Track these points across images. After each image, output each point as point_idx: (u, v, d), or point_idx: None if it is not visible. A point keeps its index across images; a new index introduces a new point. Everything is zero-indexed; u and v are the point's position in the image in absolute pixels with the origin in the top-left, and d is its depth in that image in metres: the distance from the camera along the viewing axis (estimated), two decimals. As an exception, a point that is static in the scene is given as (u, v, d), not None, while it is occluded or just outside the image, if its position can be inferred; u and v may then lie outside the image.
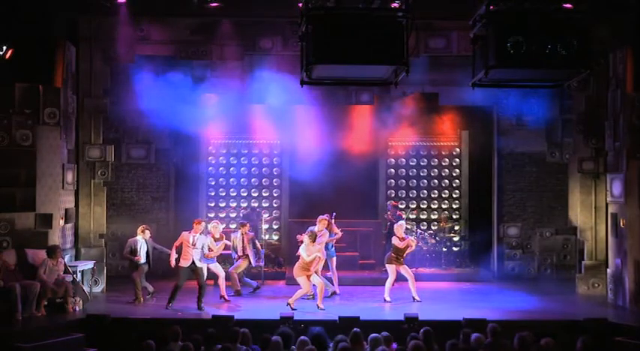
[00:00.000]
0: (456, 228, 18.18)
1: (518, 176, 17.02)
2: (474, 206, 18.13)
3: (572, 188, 16.08)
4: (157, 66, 15.17)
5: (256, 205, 18.13)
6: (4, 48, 12.84)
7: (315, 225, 13.62)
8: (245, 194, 18.39)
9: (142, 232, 13.46)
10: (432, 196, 18.62)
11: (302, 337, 8.76)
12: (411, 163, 18.68)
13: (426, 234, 17.64)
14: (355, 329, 9.01)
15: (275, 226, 18.20)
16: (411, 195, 18.62)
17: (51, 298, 12.13)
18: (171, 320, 11.16)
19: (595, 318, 11.49)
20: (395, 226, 14.04)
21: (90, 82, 15.10)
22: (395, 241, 13.65)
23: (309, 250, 12.60)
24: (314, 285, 12.69)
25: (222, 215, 17.82)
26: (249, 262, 14.35)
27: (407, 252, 13.76)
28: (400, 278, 14.18)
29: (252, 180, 18.43)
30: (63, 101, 13.58)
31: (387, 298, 13.48)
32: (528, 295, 14.18)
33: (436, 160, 18.67)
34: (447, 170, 18.63)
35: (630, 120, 13.16)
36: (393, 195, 18.53)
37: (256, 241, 14.63)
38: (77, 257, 14.63)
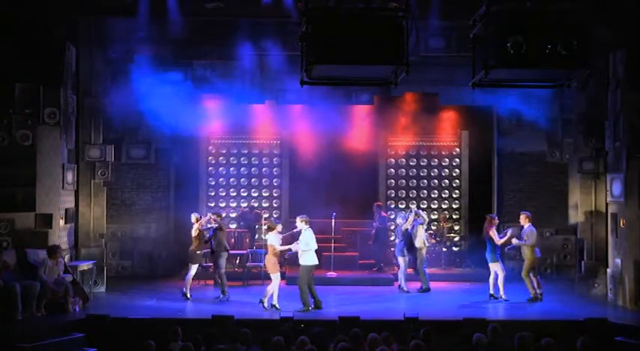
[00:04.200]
0: (456, 228, 18.20)
1: (518, 176, 17.04)
2: (474, 206, 18.11)
3: (572, 188, 16.09)
4: (157, 66, 15.17)
5: (256, 204, 18.12)
6: None
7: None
8: (245, 194, 18.39)
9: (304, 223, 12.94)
10: (432, 196, 18.62)
11: (302, 337, 8.77)
12: (411, 163, 18.67)
13: (426, 234, 17.61)
14: (355, 329, 9.02)
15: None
16: (411, 195, 18.62)
17: (51, 298, 12.12)
18: (171, 320, 11.15)
19: (595, 318, 11.49)
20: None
21: (90, 82, 15.11)
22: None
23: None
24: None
25: (223, 215, 17.79)
26: None
27: None
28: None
29: (252, 180, 18.43)
30: (63, 101, 13.58)
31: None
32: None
33: (436, 160, 18.66)
34: (447, 170, 18.63)
35: (630, 120, 13.16)
36: (393, 195, 18.54)
37: None
38: (77, 257, 14.63)
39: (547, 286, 14.91)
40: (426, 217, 15.15)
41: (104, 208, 15.42)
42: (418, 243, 14.76)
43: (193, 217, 13.84)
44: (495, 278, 13.63)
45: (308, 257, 12.55)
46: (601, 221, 14.94)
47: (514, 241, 13.53)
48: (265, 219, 17.08)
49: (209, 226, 13.88)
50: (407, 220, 14.76)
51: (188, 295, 13.44)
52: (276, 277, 12.54)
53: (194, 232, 13.59)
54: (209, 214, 14.31)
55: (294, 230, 12.91)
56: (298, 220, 12.76)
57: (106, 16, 14.31)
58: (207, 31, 14.90)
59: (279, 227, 12.97)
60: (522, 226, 13.68)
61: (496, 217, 14.02)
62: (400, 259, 14.86)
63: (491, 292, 13.61)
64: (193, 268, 13.57)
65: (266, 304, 12.45)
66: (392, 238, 16.97)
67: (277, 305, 12.45)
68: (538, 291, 13.58)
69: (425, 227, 15.16)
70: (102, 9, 13.88)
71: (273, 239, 12.62)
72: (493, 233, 13.48)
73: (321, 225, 15.97)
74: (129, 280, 15.59)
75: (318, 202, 16.45)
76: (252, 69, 15.46)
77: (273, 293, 12.52)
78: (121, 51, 14.94)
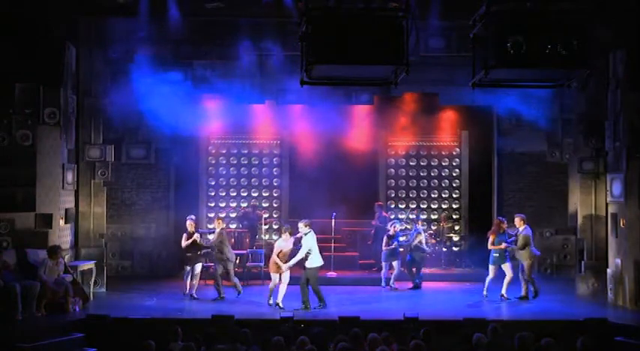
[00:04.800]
0: (456, 228, 18.21)
1: (518, 176, 17.05)
2: (474, 206, 18.14)
3: (572, 188, 16.09)
4: (157, 66, 15.14)
5: (257, 204, 18.11)
6: None
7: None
8: (245, 194, 18.39)
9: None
10: (432, 196, 18.63)
11: (302, 337, 8.77)
12: (411, 163, 18.68)
13: (426, 234, 17.63)
14: (355, 329, 9.02)
15: (275, 226, 18.19)
16: (411, 195, 18.63)
17: (51, 298, 12.11)
18: (171, 320, 11.16)
19: (595, 318, 11.49)
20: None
21: (90, 82, 15.09)
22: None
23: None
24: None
25: (222, 215, 17.81)
26: None
27: None
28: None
29: (252, 180, 18.44)
30: (63, 101, 13.57)
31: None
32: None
33: (436, 160, 18.67)
34: (447, 170, 18.63)
35: (630, 120, 13.17)
36: (393, 195, 18.55)
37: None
38: (77, 257, 14.62)
39: (547, 286, 14.92)
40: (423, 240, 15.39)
41: (104, 208, 15.40)
42: (415, 242, 14.94)
43: (189, 224, 13.84)
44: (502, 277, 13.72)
45: (314, 259, 12.63)
46: (601, 221, 14.93)
47: (503, 245, 13.60)
48: (266, 219, 17.11)
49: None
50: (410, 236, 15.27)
51: (194, 295, 13.50)
52: (275, 277, 12.62)
53: (186, 241, 13.65)
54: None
55: (298, 235, 12.93)
56: (301, 224, 12.80)
57: (106, 16, 14.30)
58: (207, 31, 14.89)
59: (289, 234, 12.93)
60: (517, 229, 13.72)
61: (505, 221, 14.04)
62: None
63: (503, 292, 13.66)
64: (196, 268, 13.59)
65: (281, 305, 12.51)
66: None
67: (281, 304, 12.55)
68: (523, 292, 13.71)
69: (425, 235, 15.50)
70: (102, 9, 13.88)
71: (281, 244, 12.73)
72: (492, 236, 13.63)
73: (322, 225, 15.97)
74: (129, 280, 15.60)
75: (319, 202, 16.46)
76: (252, 69, 15.44)
77: (271, 291, 12.66)
78: (121, 51, 14.93)
